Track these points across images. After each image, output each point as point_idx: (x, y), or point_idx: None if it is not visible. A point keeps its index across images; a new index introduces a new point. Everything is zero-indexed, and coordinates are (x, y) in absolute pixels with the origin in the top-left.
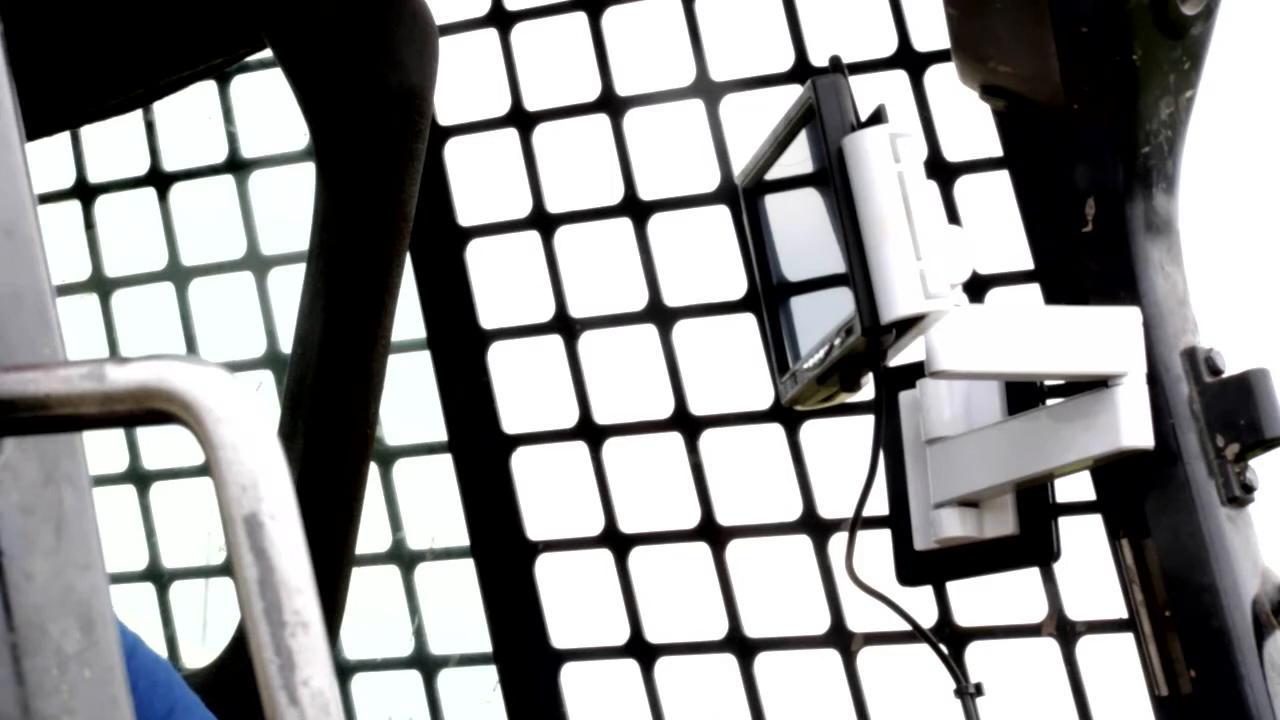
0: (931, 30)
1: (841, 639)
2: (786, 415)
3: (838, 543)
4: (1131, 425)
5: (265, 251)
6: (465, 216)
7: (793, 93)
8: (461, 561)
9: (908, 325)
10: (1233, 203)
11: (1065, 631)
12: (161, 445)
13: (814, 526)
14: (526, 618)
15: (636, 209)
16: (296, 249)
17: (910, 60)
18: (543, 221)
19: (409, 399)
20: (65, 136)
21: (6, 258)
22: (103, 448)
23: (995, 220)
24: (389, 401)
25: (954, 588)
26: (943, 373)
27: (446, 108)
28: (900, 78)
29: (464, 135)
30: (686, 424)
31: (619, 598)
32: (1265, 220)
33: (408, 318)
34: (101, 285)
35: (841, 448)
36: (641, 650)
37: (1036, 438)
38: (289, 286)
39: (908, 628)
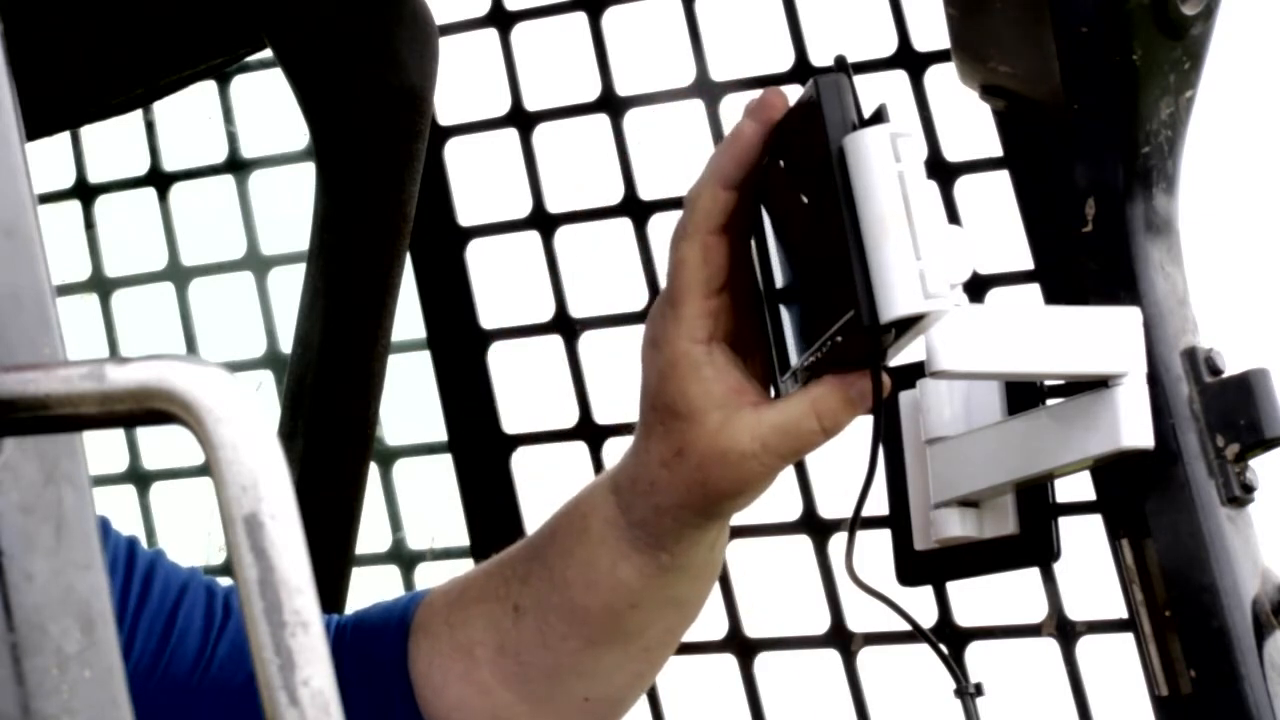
0: (931, 30)
1: (841, 639)
2: None
3: (838, 543)
4: (1131, 425)
5: (265, 251)
6: (465, 216)
7: (793, 93)
8: (461, 561)
9: (907, 325)
10: (1233, 203)
11: (1065, 631)
12: (161, 445)
13: (814, 526)
14: None
15: (636, 209)
16: (296, 249)
17: (910, 60)
18: (543, 221)
19: (409, 399)
20: (65, 136)
21: (6, 258)
22: (103, 448)
23: (995, 220)
24: (389, 401)
25: (954, 588)
26: (943, 373)
27: (446, 108)
28: (900, 78)
29: (464, 135)
30: None
31: None
32: (1265, 220)
33: (408, 318)
34: (101, 285)
35: (841, 448)
36: None
37: (1036, 438)
38: (289, 286)
39: (908, 628)
